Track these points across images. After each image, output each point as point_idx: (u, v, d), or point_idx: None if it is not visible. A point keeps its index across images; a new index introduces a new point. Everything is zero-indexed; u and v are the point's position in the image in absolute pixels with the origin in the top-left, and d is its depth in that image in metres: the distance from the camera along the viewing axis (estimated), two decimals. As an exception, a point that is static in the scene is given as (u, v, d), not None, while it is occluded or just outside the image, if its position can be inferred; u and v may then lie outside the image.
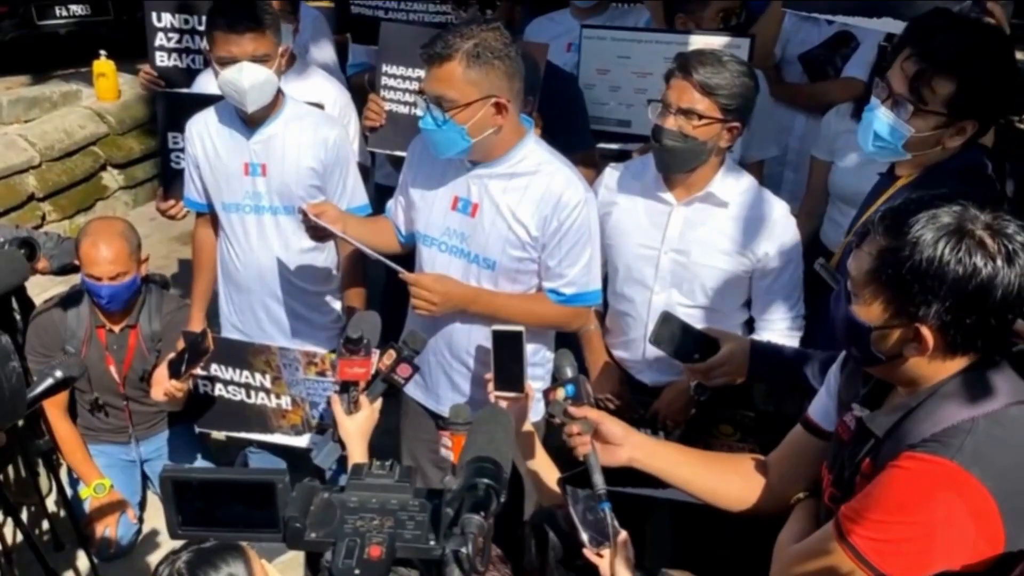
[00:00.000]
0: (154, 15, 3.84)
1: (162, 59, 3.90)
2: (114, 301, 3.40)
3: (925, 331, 1.57)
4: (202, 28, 3.79)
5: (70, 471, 3.60)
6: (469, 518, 1.10)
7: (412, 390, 2.92)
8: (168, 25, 3.85)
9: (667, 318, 2.50)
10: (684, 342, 2.47)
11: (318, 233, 2.72)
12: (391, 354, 2.26)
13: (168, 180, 3.67)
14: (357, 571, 1.13)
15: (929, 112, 2.17)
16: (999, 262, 1.51)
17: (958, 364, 1.62)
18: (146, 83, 4.04)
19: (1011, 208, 2.17)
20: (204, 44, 3.81)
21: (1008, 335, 1.65)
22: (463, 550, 1.08)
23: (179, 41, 3.87)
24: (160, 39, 3.86)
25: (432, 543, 1.17)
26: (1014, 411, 1.59)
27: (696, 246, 2.69)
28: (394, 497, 1.22)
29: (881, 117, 2.23)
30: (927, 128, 2.18)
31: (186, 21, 3.84)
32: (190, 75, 3.84)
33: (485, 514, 1.11)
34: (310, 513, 1.22)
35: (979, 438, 1.54)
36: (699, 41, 3.19)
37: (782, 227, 2.67)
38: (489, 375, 2.30)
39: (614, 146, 3.59)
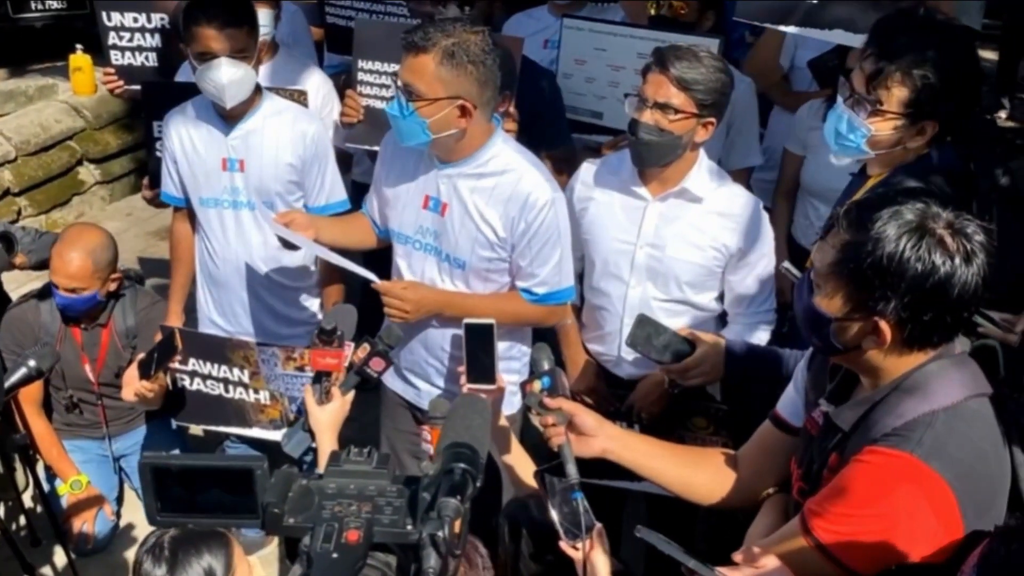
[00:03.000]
0: (104, 15, 3.83)
1: (117, 58, 3.89)
2: (69, 310, 3.41)
3: (883, 325, 1.60)
4: (152, 26, 3.83)
5: (47, 466, 3.59)
6: (446, 502, 1.12)
7: (391, 382, 2.94)
8: (119, 24, 3.85)
9: (642, 320, 2.53)
10: (659, 344, 2.50)
11: (289, 244, 2.74)
12: (365, 347, 2.27)
13: (153, 169, 3.67)
14: (335, 555, 1.14)
15: (886, 112, 2.20)
16: (957, 261, 1.55)
17: (917, 359, 1.66)
18: (107, 83, 4.02)
19: (987, 205, 2.22)
20: (157, 41, 3.84)
21: (964, 331, 1.69)
22: (439, 533, 1.10)
23: (131, 40, 3.87)
24: (113, 38, 3.86)
25: (409, 527, 1.18)
26: (973, 404, 1.63)
27: (671, 241, 2.71)
28: (372, 483, 1.23)
29: (842, 116, 2.27)
30: (887, 128, 2.22)
31: (135, 19, 3.84)
32: (146, 72, 3.85)
33: (462, 498, 1.13)
34: (288, 499, 1.23)
35: (938, 431, 1.58)
36: (670, 39, 3.21)
37: (755, 223, 2.70)
38: (462, 368, 2.32)
39: (593, 137, 3.62)
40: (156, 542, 1.88)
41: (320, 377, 2.25)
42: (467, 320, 2.31)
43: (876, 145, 2.26)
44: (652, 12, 3.52)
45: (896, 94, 2.19)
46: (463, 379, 2.30)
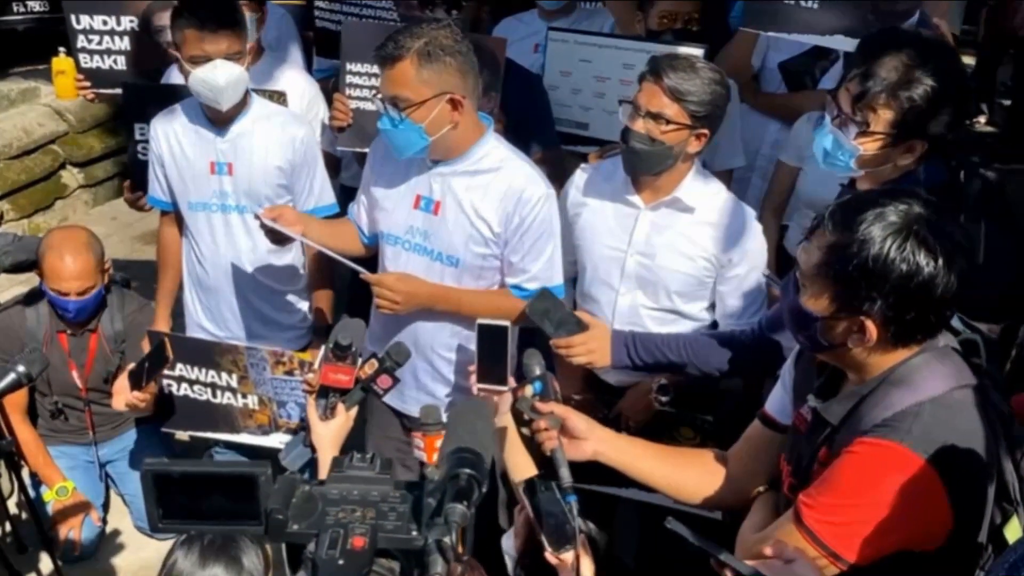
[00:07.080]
0: (73, 17, 3.78)
1: (85, 61, 3.84)
2: (82, 314, 3.41)
3: (869, 324, 1.65)
4: (121, 28, 3.78)
5: (33, 473, 3.57)
6: (452, 507, 1.12)
7: (378, 387, 2.93)
8: (88, 27, 3.80)
9: (544, 294, 2.54)
10: (554, 319, 2.51)
11: (276, 237, 2.73)
12: (373, 364, 2.23)
13: (135, 171, 3.64)
14: (341, 561, 1.15)
15: (874, 133, 2.21)
16: (940, 261, 1.59)
17: (900, 355, 1.70)
18: (78, 87, 3.97)
19: (976, 217, 2.24)
20: (126, 44, 3.78)
21: (945, 328, 1.73)
22: (446, 539, 1.11)
23: (100, 43, 3.82)
24: (82, 41, 3.81)
25: (414, 533, 1.19)
26: (958, 394, 1.67)
27: (661, 250, 2.72)
28: (375, 489, 1.24)
29: (830, 135, 2.28)
30: (874, 148, 2.22)
31: (104, 22, 3.80)
32: (115, 76, 3.81)
33: (468, 503, 1.14)
34: (292, 505, 1.23)
35: (926, 421, 1.63)
36: (655, 49, 3.21)
37: (747, 234, 2.70)
38: (472, 367, 2.32)
39: (578, 148, 3.62)
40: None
41: (327, 392, 2.20)
42: (480, 320, 2.31)
43: (864, 164, 2.26)
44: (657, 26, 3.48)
45: (882, 116, 2.19)
46: (472, 379, 2.29)
